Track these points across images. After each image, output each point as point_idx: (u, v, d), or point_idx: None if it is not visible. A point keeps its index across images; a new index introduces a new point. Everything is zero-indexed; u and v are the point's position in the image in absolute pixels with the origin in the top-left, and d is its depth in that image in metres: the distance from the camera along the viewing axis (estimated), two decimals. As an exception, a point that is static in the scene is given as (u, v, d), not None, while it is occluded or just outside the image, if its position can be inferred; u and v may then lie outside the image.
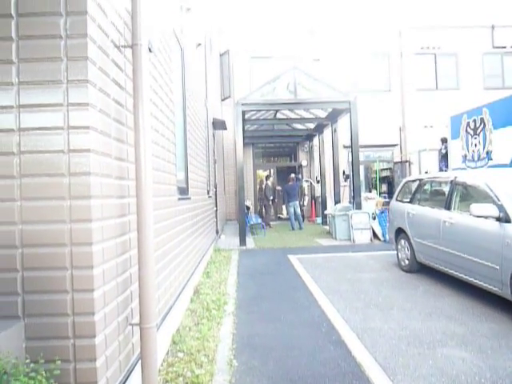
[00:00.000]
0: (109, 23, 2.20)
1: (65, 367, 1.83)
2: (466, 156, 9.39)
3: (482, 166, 8.51)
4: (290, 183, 12.61)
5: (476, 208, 4.18)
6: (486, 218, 4.16)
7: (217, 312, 4.37)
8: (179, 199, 4.24)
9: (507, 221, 3.92)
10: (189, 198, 5.00)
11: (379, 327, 3.92)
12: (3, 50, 1.90)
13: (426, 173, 11.30)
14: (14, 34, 1.91)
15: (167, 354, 3.30)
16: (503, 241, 3.89)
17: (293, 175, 13.07)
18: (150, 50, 2.71)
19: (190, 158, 5.40)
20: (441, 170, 10.89)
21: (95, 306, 1.88)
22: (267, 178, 13.97)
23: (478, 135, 8.88)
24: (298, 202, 12.58)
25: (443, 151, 11.13)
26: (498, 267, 3.95)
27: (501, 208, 4.02)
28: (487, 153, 8.57)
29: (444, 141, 11.31)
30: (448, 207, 5.10)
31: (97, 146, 1.98)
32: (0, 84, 1.90)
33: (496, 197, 4.18)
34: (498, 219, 4.02)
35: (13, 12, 1.91)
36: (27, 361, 1.72)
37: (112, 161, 2.18)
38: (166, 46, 3.84)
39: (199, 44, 6.90)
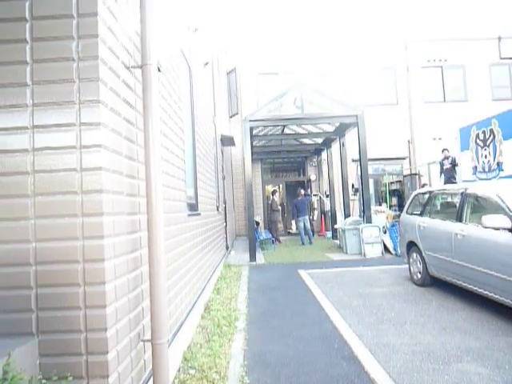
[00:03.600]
0: (119, 45, 2.28)
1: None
2: (476, 167, 9.32)
3: (493, 177, 8.44)
4: (300, 198, 12.59)
5: (488, 220, 4.13)
6: (498, 229, 4.10)
7: (228, 328, 4.35)
8: (189, 215, 4.27)
9: (520, 232, 3.86)
10: (198, 214, 5.03)
11: (392, 342, 3.86)
12: (18, 73, 1.97)
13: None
14: (28, 58, 1.99)
15: (178, 370, 3.28)
16: (517, 252, 3.83)
17: (302, 190, 13.06)
18: (159, 69, 2.78)
19: (199, 175, 5.45)
20: (449, 181, 10.70)
21: (107, 322, 1.89)
22: (274, 193, 13.99)
23: (488, 146, 8.84)
24: (307, 217, 12.55)
25: (449, 165, 10.95)
26: (512, 279, 3.88)
27: (513, 219, 3.98)
28: (498, 164, 8.51)
29: (446, 150, 11.15)
30: (459, 219, 5.05)
31: (108, 164, 2.03)
32: (15, 106, 1.97)
33: (508, 208, 4.13)
34: (511, 230, 3.96)
35: (27, 37, 1.99)
36: (39, 377, 1.73)
37: (123, 178, 2.22)
38: (174, 66, 3.94)
39: (207, 63, 7.04)
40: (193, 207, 4.73)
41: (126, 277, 2.17)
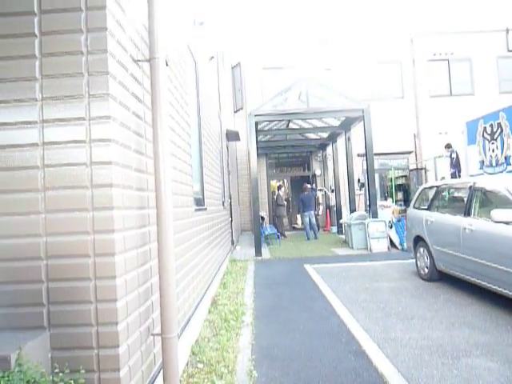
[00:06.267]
0: (127, 39, 2.27)
1: (89, 377, 1.85)
2: (483, 162, 9.25)
3: (500, 172, 8.37)
4: (306, 193, 12.56)
5: (497, 213, 4.09)
6: (508, 223, 4.06)
7: (235, 323, 4.36)
8: (196, 210, 4.27)
9: (530, 226, 3.83)
10: (205, 209, 5.04)
11: (400, 337, 3.85)
12: (27, 67, 1.97)
13: (443, 179, 11.18)
14: (37, 52, 1.98)
15: (187, 364, 3.30)
16: (527, 247, 3.79)
17: (308, 185, 13.02)
18: (166, 63, 2.76)
19: (205, 170, 5.45)
20: (453, 176, 10.74)
21: (118, 316, 1.90)
22: (279, 188, 13.97)
23: (496, 140, 8.75)
24: (313, 212, 12.52)
25: (453, 156, 11.00)
26: (522, 274, 3.85)
27: (523, 213, 3.94)
28: (506, 158, 8.43)
29: (448, 147, 11.19)
30: (467, 213, 5.01)
31: (118, 158, 2.02)
32: (24, 100, 1.97)
33: (517, 202, 4.09)
34: (521, 225, 3.93)
35: (36, 31, 1.98)
36: (56, 370, 1.74)
37: (132, 172, 2.22)
38: (180, 60, 3.92)
39: (212, 57, 7.01)
40: (199, 202, 4.73)
41: (135, 271, 2.17)
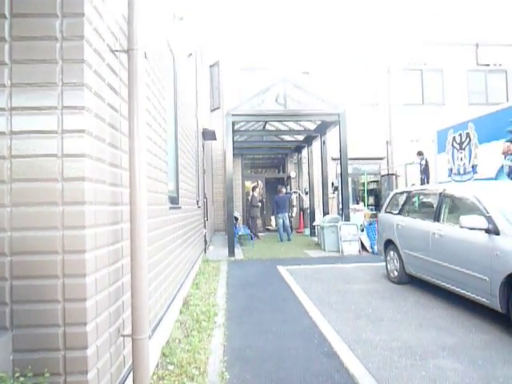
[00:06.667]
0: (105, 27, 2.18)
1: (54, 381, 1.75)
2: (451, 170, 9.56)
3: (468, 180, 8.68)
4: (281, 194, 12.61)
5: (465, 220, 4.22)
6: (475, 229, 4.20)
7: (207, 324, 4.29)
8: (170, 208, 4.19)
9: (496, 233, 3.96)
10: (179, 208, 4.95)
11: (371, 338, 3.90)
12: (-4, 51, 1.85)
13: (414, 185, 11.51)
14: (6, 35, 1.87)
15: (157, 366, 3.21)
16: (492, 253, 3.93)
17: (283, 189, 13.08)
18: (145, 55, 2.68)
19: (181, 167, 5.35)
20: (422, 182, 11.14)
21: (87, 315, 1.81)
22: (254, 189, 13.96)
23: (464, 149, 9.06)
24: (287, 214, 12.57)
25: (422, 163, 11.41)
26: (487, 278, 3.98)
27: (490, 220, 4.07)
28: (473, 167, 8.74)
29: (420, 154, 11.60)
30: (437, 219, 5.15)
31: (91, 151, 1.94)
32: (-9, 86, 1.85)
33: (485, 209, 4.23)
34: (487, 231, 4.06)
35: (6, 12, 1.87)
36: (16, 374, 1.64)
37: (106, 166, 2.13)
38: (159, 54, 3.83)
39: (190, 54, 6.91)
40: (174, 200, 4.64)
41: (106, 269, 2.09)
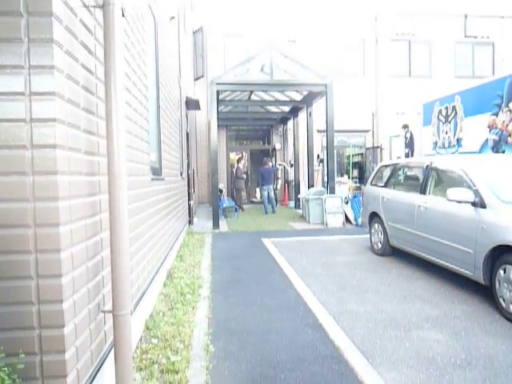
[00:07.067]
0: (77, -22, 1.96)
1: (30, 360, 1.65)
2: (436, 143, 9.57)
3: (452, 153, 8.70)
4: (266, 167, 12.48)
5: (452, 193, 4.21)
6: (461, 202, 4.19)
7: (191, 296, 4.25)
8: (152, 179, 4.03)
9: (482, 206, 3.96)
10: (162, 179, 4.79)
11: (355, 310, 3.92)
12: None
13: (399, 158, 11.53)
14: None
15: (141, 340, 3.16)
16: (478, 226, 3.94)
17: (269, 161, 12.95)
18: (122, 13, 2.46)
19: (163, 137, 5.16)
20: (407, 155, 11.17)
21: (63, 292, 1.70)
22: (239, 160, 13.79)
23: (450, 122, 9.04)
24: (272, 186, 12.51)
25: (407, 136, 11.41)
26: (471, 251, 4.02)
27: (476, 193, 4.07)
28: (458, 140, 8.75)
29: (405, 127, 11.58)
30: (423, 192, 5.14)
31: (64, 116, 1.77)
32: None
33: (472, 182, 4.22)
34: (474, 204, 4.06)
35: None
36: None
37: (81, 133, 1.97)
38: (138, 14, 3.57)
39: (173, 17, 6.55)
40: (156, 171, 4.47)
41: (84, 243, 1.96)
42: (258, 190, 13.48)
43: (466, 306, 3.97)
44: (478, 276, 3.98)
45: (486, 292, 4.13)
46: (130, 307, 2.13)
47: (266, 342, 3.23)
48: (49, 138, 1.67)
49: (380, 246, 6.25)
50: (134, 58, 3.30)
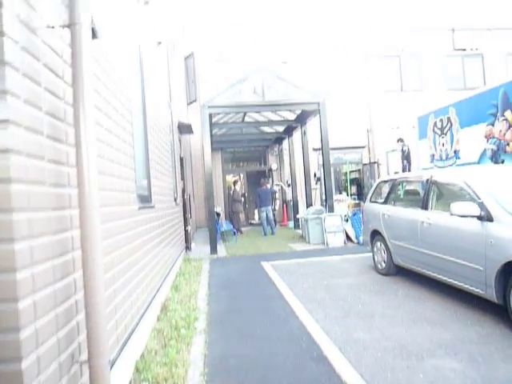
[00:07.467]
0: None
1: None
2: (433, 155, 9.43)
3: (450, 165, 8.55)
4: (264, 187, 12.30)
5: (456, 207, 4.00)
6: (466, 217, 3.98)
7: (186, 331, 3.96)
8: (140, 208, 3.82)
9: (489, 219, 3.75)
10: (152, 207, 4.58)
11: (362, 338, 3.65)
12: None
13: (397, 173, 11.37)
14: None
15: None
16: (486, 240, 3.72)
17: (266, 182, 12.79)
18: (94, 33, 2.30)
19: (153, 163, 4.98)
20: (404, 170, 11.02)
21: (22, 349, 1.46)
22: (235, 183, 13.61)
23: (446, 134, 8.92)
24: (270, 207, 12.29)
25: (405, 149, 11.29)
26: (481, 268, 3.78)
27: (482, 206, 3.86)
28: (455, 152, 8.61)
29: (400, 140, 11.49)
30: (425, 207, 4.93)
31: (20, 146, 1.57)
32: None
33: (476, 195, 4.02)
34: (480, 218, 3.85)
35: None
36: None
37: (45, 164, 1.77)
38: (119, 36, 3.44)
39: (160, 42, 6.49)
40: (145, 199, 4.27)
41: (51, 287, 1.73)
42: (256, 211, 13.23)
43: (480, 327, 3.70)
44: (491, 294, 3.73)
45: (499, 311, 3.86)
46: (108, 356, 1.88)
47: (267, 380, 2.95)
48: (2, 172, 1.47)
49: (384, 265, 5.99)
50: (114, 82, 3.15)
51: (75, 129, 1.87)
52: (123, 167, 3.20)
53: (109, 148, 2.76)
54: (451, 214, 4.10)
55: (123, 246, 3.09)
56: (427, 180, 5.07)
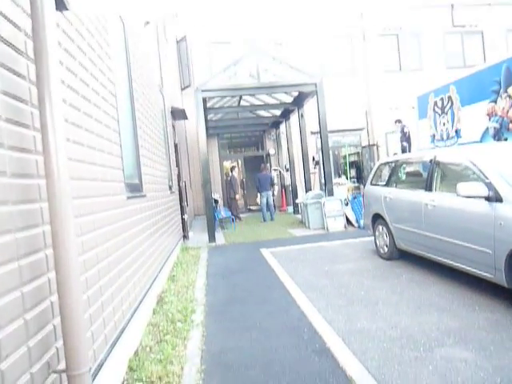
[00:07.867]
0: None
1: None
2: (434, 135, 9.18)
3: (451, 145, 8.31)
4: (264, 172, 12.07)
5: (463, 187, 3.79)
6: (473, 197, 3.77)
7: (183, 325, 3.79)
8: (129, 198, 3.60)
9: (498, 200, 3.55)
10: (143, 196, 4.37)
11: (366, 328, 3.48)
12: None
13: (396, 154, 11.14)
14: None
15: (121, 386, 2.72)
16: (495, 222, 3.52)
17: (266, 167, 12.57)
18: (65, 6, 2.06)
19: (144, 150, 4.75)
20: (404, 151, 10.77)
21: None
22: (232, 169, 13.37)
23: (446, 113, 8.66)
24: (270, 192, 12.08)
25: (406, 131, 11.01)
26: (490, 251, 3.59)
27: (490, 186, 3.65)
28: (456, 131, 8.37)
29: (398, 121, 11.20)
30: (429, 189, 4.72)
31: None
32: None
33: (483, 174, 3.80)
34: (488, 199, 3.64)
35: None
36: None
37: (5, 151, 1.55)
38: (99, 15, 3.17)
39: (147, 22, 6.17)
40: (135, 188, 4.05)
41: (18, 291, 1.53)
42: (258, 195, 12.90)
43: (490, 313, 3.54)
44: (500, 278, 3.55)
45: (509, 295, 3.69)
46: (88, 364, 1.69)
47: (268, 376, 2.78)
48: None
49: (386, 249, 5.82)
50: (93, 63, 2.90)
51: (40, 110, 1.64)
52: (107, 155, 2.97)
53: (88, 133, 2.53)
54: (457, 195, 3.89)
55: (110, 239, 2.89)
56: (431, 160, 4.85)
